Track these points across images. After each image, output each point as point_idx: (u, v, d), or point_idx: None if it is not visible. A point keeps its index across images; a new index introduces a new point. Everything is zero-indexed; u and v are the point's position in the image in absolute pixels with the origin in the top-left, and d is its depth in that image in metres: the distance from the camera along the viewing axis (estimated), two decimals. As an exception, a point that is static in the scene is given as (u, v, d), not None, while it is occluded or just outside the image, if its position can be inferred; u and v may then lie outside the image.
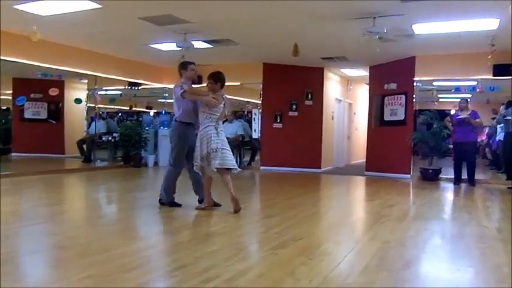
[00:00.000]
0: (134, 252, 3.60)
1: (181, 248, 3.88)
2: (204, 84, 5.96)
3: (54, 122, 13.06)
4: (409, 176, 9.67)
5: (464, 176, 8.72)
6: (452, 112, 9.42)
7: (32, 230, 4.40)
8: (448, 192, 8.12)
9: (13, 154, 12.45)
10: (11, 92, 12.70)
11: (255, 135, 11.48)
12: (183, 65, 5.63)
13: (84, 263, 3.24)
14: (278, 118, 11.16)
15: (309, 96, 11.03)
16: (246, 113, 13.09)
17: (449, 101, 15.13)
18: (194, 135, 5.56)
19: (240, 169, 5.44)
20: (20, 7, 6.42)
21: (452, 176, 8.92)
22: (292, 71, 10.82)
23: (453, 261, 3.65)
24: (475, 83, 9.46)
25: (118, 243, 3.85)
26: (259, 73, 11.08)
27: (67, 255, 3.51)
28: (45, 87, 12.28)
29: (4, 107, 13.58)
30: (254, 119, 11.59)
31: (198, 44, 8.47)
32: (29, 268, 3.27)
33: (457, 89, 9.99)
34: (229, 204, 5.29)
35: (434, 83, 10.25)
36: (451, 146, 9.09)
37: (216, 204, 5.50)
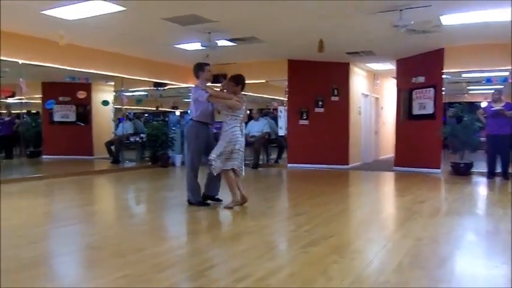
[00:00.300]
0: (166, 252, 3.63)
1: (211, 247, 3.90)
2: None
3: (82, 124, 13.31)
4: (439, 170, 9.46)
5: (498, 169, 8.49)
6: (484, 104, 9.16)
7: (65, 230, 4.50)
8: (481, 187, 7.92)
9: (44, 156, 12.76)
10: (40, 96, 13.01)
11: (281, 132, 11.43)
12: (200, 67, 5.67)
13: (117, 263, 3.28)
14: (304, 115, 11.06)
15: (335, 92, 10.90)
16: (271, 110, 13.05)
17: (479, 93, 14.73)
18: (211, 134, 5.61)
19: (243, 173, 5.50)
20: (48, 12, 6.54)
21: (485, 170, 8.70)
22: (317, 67, 10.72)
23: (489, 258, 3.56)
24: (507, 73, 9.17)
25: (149, 243, 3.88)
26: (284, 70, 11.00)
27: (101, 255, 3.56)
28: (73, 91, 12.53)
29: (34, 111, 13.92)
30: (280, 116, 11.54)
31: (223, 43, 8.47)
32: (63, 268, 3.33)
33: (489, 80, 9.68)
34: (255, 202, 5.41)
35: (464, 75, 9.99)
36: (482, 139, 8.85)
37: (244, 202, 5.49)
